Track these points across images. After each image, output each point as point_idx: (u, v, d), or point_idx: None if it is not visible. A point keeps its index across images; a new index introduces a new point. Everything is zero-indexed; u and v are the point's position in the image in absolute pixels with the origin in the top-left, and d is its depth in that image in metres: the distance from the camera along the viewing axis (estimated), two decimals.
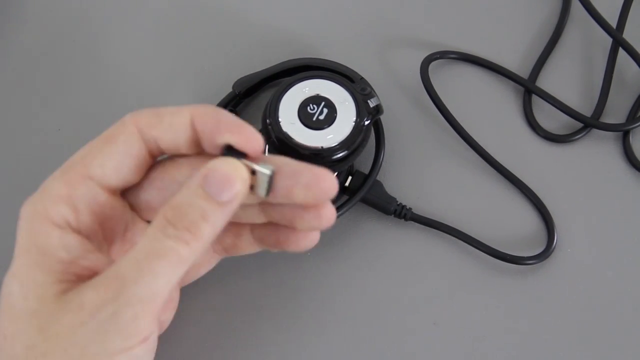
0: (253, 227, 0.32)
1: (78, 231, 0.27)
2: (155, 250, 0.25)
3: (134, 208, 0.30)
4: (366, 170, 0.40)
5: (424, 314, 0.38)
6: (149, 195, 0.30)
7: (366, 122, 0.36)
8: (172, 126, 0.28)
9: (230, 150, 0.27)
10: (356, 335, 0.37)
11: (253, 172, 0.27)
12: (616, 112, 0.44)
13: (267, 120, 0.36)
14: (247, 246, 0.33)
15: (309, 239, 0.31)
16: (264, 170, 0.27)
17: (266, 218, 0.31)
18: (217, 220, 0.26)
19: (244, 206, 0.29)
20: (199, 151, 0.29)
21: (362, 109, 0.36)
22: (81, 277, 0.26)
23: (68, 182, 0.27)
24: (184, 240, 0.26)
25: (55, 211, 0.26)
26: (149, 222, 0.31)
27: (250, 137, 0.27)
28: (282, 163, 0.28)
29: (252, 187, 0.28)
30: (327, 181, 0.28)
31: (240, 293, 0.38)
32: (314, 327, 0.37)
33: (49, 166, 0.41)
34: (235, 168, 0.26)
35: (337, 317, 0.37)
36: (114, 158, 0.27)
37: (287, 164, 0.28)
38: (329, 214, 0.29)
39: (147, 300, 0.25)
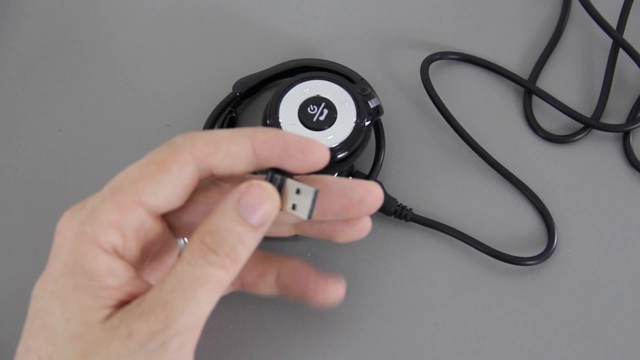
0: (280, 272, 0.33)
1: (123, 257, 0.27)
2: (198, 278, 0.25)
3: (172, 227, 0.30)
4: (366, 171, 0.40)
5: (424, 315, 0.38)
6: (191, 218, 0.29)
7: (366, 123, 0.36)
8: (229, 155, 0.27)
9: (274, 171, 0.27)
10: (356, 336, 0.37)
11: (298, 191, 0.27)
12: (616, 113, 0.44)
13: (268, 121, 0.36)
14: (267, 289, 0.33)
15: (335, 292, 0.32)
16: (310, 188, 0.27)
17: (297, 232, 0.31)
18: (252, 243, 0.27)
19: (277, 223, 0.29)
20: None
21: (362, 110, 0.36)
22: (122, 303, 0.26)
23: (119, 207, 0.26)
24: (224, 265, 0.26)
25: (104, 237, 0.26)
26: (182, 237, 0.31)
27: (316, 158, 0.27)
28: (331, 181, 0.28)
29: (294, 207, 0.27)
30: (378, 194, 0.29)
31: (239, 293, 0.38)
32: (314, 328, 0.37)
33: (50, 166, 0.42)
34: (264, 189, 0.27)
35: (337, 318, 0.37)
36: (167, 187, 0.26)
37: (338, 182, 0.28)
38: (369, 224, 0.30)
39: (193, 329, 0.26)
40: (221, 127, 0.41)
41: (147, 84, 0.44)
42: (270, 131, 0.27)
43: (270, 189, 0.27)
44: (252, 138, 0.27)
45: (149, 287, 0.27)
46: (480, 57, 0.45)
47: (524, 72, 0.45)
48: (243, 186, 0.26)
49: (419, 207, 0.40)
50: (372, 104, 0.37)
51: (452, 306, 0.38)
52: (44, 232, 0.40)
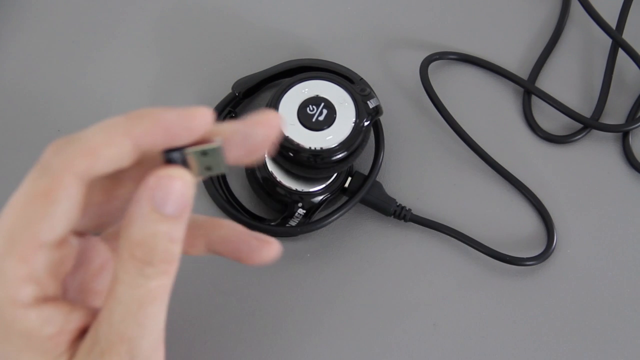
0: (210, 239, 0.30)
1: (48, 299, 0.25)
2: (143, 297, 0.24)
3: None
4: (366, 171, 0.40)
5: (424, 315, 0.38)
6: (104, 218, 0.27)
7: (366, 123, 0.36)
8: (112, 160, 0.25)
9: (169, 151, 0.25)
10: (356, 336, 0.37)
11: (204, 153, 0.25)
12: (616, 113, 0.44)
13: None
14: (198, 253, 0.31)
15: (268, 253, 0.29)
16: (214, 145, 0.25)
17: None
18: (181, 234, 0.25)
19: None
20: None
21: (361, 110, 0.36)
22: (72, 342, 0.25)
23: (22, 259, 0.24)
24: (164, 271, 0.24)
25: (21, 295, 0.24)
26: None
27: (201, 125, 0.25)
28: (227, 131, 0.26)
29: (209, 169, 0.26)
30: (276, 125, 0.26)
31: (239, 294, 0.38)
32: (314, 328, 0.37)
33: None
34: (174, 177, 0.25)
35: (336, 318, 0.37)
36: (61, 217, 0.24)
37: (234, 129, 0.26)
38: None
39: (157, 344, 0.25)
40: None
41: (146, 83, 0.44)
42: (146, 118, 0.25)
43: (178, 172, 0.25)
44: (130, 133, 0.25)
45: (87, 309, 0.26)
46: (479, 57, 0.45)
47: (523, 72, 0.45)
48: (151, 181, 0.24)
49: (418, 207, 0.40)
50: (371, 104, 0.37)
51: (452, 306, 0.38)
52: None
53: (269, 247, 0.30)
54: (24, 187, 0.25)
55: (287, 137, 0.35)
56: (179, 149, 0.25)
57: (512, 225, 0.40)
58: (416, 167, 0.42)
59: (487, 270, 0.39)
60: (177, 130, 0.25)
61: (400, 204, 0.39)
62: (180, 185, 0.24)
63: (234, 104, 0.42)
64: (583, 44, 0.47)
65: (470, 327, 0.37)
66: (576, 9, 0.48)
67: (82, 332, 0.25)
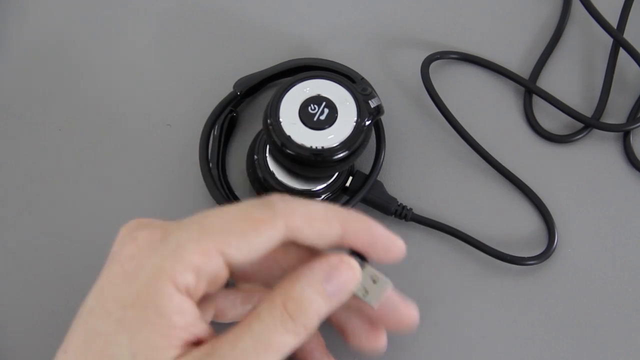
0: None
1: (192, 298, 0.27)
2: (273, 343, 0.26)
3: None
4: (367, 171, 0.40)
5: (425, 315, 0.38)
6: (250, 269, 0.30)
7: (367, 123, 0.36)
8: (319, 234, 0.28)
9: (356, 255, 0.29)
10: None
11: (374, 281, 0.29)
12: (617, 112, 0.44)
13: (268, 121, 0.36)
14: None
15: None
16: (386, 280, 0.29)
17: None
18: (325, 315, 0.28)
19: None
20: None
21: (363, 109, 0.36)
22: (187, 343, 0.26)
23: (204, 252, 0.26)
24: (298, 334, 0.27)
25: (182, 277, 0.26)
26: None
27: (395, 257, 0.29)
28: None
29: (365, 293, 0.29)
30: (413, 322, 0.31)
31: None
32: None
33: (50, 166, 0.41)
34: (352, 269, 0.28)
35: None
36: (253, 247, 0.27)
37: (391, 296, 0.30)
38: (384, 344, 0.32)
39: None
40: (221, 126, 0.41)
41: (147, 83, 0.44)
42: (363, 222, 0.28)
43: (357, 269, 0.28)
44: (345, 225, 0.28)
45: (209, 328, 0.27)
46: (480, 56, 0.45)
47: (524, 72, 0.45)
48: (333, 260, 0.28)
49: (419, 206, 0.40)
50: (372, 103, 0.37)
51: (452, 306, 0.38)
52: (44, 232, 0.40)
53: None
54: (242, 206, 0.28)
55: (288, 136, 0.35)
56: (363, 258, 0.29)
57: (513, 225, 0.40)
58: (417, 166, 0.42)
59: (488, 269, 0.39)
60: (379, 246, 0.29)
61: (401, 204, 0.39)
62: (350, 276, 0.28)
63: (235, 103, 0.42)
64: (584, 43, 0.47)
65: (471, 327, 0.37)
66: (577, 8, 0.48)
67: (197, 342, 0.27)
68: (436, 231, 0.40)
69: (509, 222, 0.40)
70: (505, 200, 0.41)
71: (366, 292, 0.29)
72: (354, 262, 0.28)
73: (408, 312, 0.31)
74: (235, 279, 0.31)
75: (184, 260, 0.26)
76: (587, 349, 0.37)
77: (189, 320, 0.26)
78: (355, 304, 0.30)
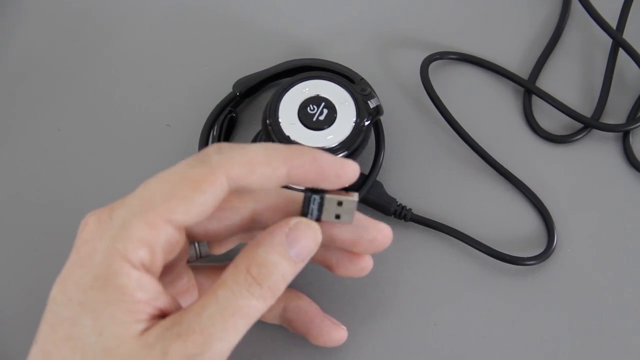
0: (287, 307, 0.34)
1: (150, 271, 0.27)
2: (240, 308, 0.26)
3: (187, 232, 0.30)
4: (366, 171, 0.40)
5: (424, 315, 0.38)
6: (210, 225, 0.30)
7: (366, 123, 0.36)
8: (263, 177, 0.27)
9: (311, 191, 0.29)
10: (356, 336, 0.37)
11: (340, 203, 0.29)
12: (616, 113, 0.44)
13: (267, 121, 0.36)
14: (271, 319, 0.35)
15: (337, 336, 0.34)
16: (351, 199, 0.29)
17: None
18: (291, 279, 0.28)
19: None
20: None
21: (362, 110, 0.36)
22: (153, 317, 0.26)
23: (150, 225, 0.26)
24: (265, 298, 0.27)
25: (135, 254, 0.26)
26: (194, 241, 0.32)
27: (349, 178, 0.28)
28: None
29: (338, 217, 0.29)
30: (387, 237, 0.31)
31: None
32: None
33: (50, 166, 0.42)
34: (312, 228, 0.28)
35: (335, 318, 0.37)
36: (199, 207, 0.27)
37: (356, 218, 0.30)
38: (369, 265, 0.33)
39: (224, 356, 0.26)
40: (221, 127, 0.41)
41: (147, 83, 0.45)
42: (306, 155, 0.28)
43: (316, 227, 0.28)
44: (289, 162, 0.27)
45: (174, 301, 0.27)
46: (480, 56, 0.45)
47: (523, 72, 0.45)
48: (292, 222, 0.28)
49: (419, 207, 0.40)
50: (372, 103, 0.37)
51: (452, 306, 0.38)
52: (44, 232, 0.40)
53: (338, 332, 0.34)
54: (179, 168, 0.27)
55: (288, 136, 0.35)
56: (320, 192, 0.29)
57: (513, 225, 0.40)
58: (417, 166, 0.42)
59: (488, 269, 0.39)
60: (329, 174, 0.28)
61: (400, 204, 0.40)
62: (311, 239, 0.28)
63: (235, 104, 0.42)
64: (583, 44, 0.47)
65: (470, 327, 0.37)
66: (576, 8, 0.48)
67: (162, 315, 0.27)
68: (435, 231, 0.40)
69: (508, 223, 0.40)
70: (505, 200, 0.41)
71: (337, 216, 0.29)
72: (311, 222, 0.28)
73: (379, 228, 0.31)
74: (202, 239, 0.31)
75: (132, 238, 0.26)
76: (587, 349, 0.37)
77: (151, 295, 0.26)
78: (331, 239, 0.31)
